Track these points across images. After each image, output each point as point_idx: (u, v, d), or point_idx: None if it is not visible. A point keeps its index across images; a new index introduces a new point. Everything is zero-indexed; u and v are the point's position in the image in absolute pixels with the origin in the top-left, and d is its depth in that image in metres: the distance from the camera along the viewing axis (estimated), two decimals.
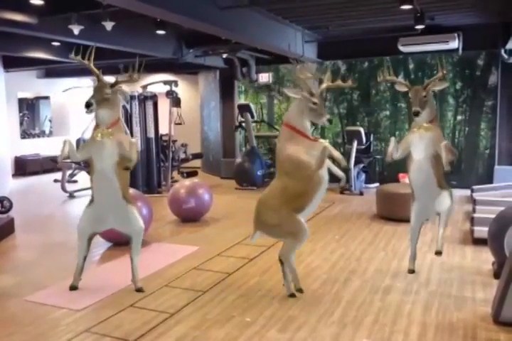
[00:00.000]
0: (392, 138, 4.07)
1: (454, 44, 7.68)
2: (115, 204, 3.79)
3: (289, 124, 3.62)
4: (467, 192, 7.24)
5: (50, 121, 12.50)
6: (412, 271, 4.15)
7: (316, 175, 3.61)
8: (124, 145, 3.71)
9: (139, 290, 3.86)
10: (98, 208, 3.82)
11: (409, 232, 4.21)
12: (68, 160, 8.39)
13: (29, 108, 12.11)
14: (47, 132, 12.48)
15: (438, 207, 4.02)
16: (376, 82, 8.87)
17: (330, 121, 3.58)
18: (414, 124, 4.00)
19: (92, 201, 3.86)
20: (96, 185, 3.80)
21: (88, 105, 3.64)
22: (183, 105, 9.59)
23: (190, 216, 6.33)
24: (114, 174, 3.71)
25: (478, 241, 4.92)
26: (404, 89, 4.08)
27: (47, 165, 11.05)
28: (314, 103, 3.52)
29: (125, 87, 9.27)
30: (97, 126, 3.78)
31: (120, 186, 3.76)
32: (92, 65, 3.80)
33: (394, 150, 3.99)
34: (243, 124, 9.40)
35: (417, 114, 3.82)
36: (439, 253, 4.03)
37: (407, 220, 4.39)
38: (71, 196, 8.39)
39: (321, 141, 3.65)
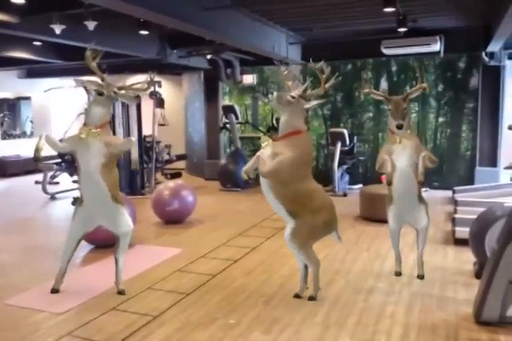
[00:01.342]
0: (386, 158, 3.92)
1: (436, 47, 7.78)
2: (104, 205, 3.75)
3: (300, 130, 3.58)
4: (449, 193, 7.32)
5: (31, 121, 12.33)
6: (398, 274, 4.15)
7: None
8: (114, 144, 3.67)
9: (121, 292, 3.82)
10: (87, 208, 3.78)
11: (390, 235, 4.21)
12: (51, 161, 8.32)
13: (10, 108, 11.92)
14: (28, 133, 12.30)
15: (415, 222, 4.06)
16: (360, 84, 8.94)
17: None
18: (395, 135, 3.92)
19: (81, 202, 3.81)
20: (83, 186, 3.76)
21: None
22: (167, 106, 9.55)
23: (173, 218, 6.29)
24: (100, 175, 3.65)
25: (460, 242, 4.98)
26: (381, 98, 4.09)
27: (28, 166, 10.88)
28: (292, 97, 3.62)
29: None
30: (85, 125, 3.71)
31: (108, 187, 3.70)
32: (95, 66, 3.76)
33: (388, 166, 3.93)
34: (227, 125, 9.38)
35: (400, 127, 3.82)
36: (421, 276, 4.05)
37: (388, 221, 4.42)
38: (52, 198, 8.28)
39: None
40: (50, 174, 8.82)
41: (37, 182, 8.95)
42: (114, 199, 3.76)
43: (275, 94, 3.64)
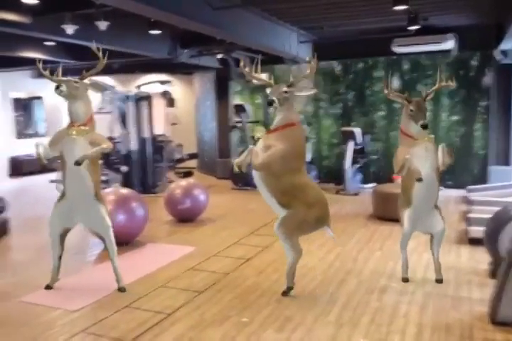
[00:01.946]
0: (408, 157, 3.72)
1: (448, 45, 7.71)
2: (85, 202, 3.77)
3: (293, 123, 3.66)
4: (462, 192, 7.26)
5: (44, 121, 12.43)
6: (406, 280, 4.00)
7: None
8: (96, 144, 3.66)
9: (121, 289, 3.85)
10: (69, 203, 3.80)
11: (401, 238, 4.03)
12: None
13: (24, 108, 12.04)
14: (42, 132, 12.41)
15: (430, 227, 3.96)
16: (371, 83, 8.90)
17: (269, 102, 3.56)
18: (416, 138, 3.76)
19: (62, 196, 3.83)
20: (68, 181, 3.77)
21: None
22: (179, 105, 9.60)
23: (186, 216, 6.31)
24: (86, 172, 3.67)
25: (474, 241, 4.93)
26: (400, 100, 3.90)
27: (43, 165, 10.98)
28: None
29: (120, 87, 9.24)
30: (71, 123, 3.70)
31: (92, 183, 3.73)
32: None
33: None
34: (238, 124, 9.39)
35: (426, 126, 3.67)
36: (439, 280, 3.96)
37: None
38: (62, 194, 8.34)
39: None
40: None
41: (52, 181, 9.03)
42: (96, 196, 3.78)
43: (270, 89, 3.60)
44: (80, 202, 3.79)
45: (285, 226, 3.60)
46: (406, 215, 3.93)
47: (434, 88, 3.96)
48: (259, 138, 3.60)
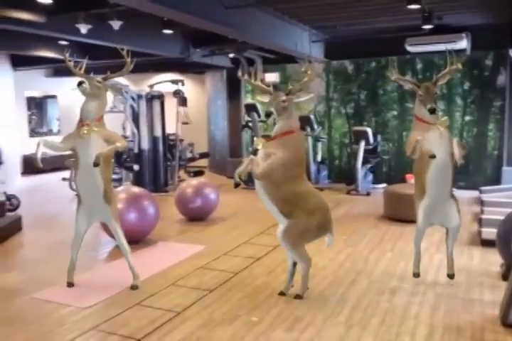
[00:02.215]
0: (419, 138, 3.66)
1: (462, 44, 7.64)
2: (95, 200, 3.82)
3: (292, 130, 3.62)
4: (475, 193, 7.19)
5: (58, 119, 12.56)
6: (417, 275, 3.99)
7: None
8: (112, 141, 3.70)
9: (133, 287, 3.89)
10: (86, 203, 3.86)
11: (415, 233, 4.02)
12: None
13: (37, 107, 12.17)
14: (55, 131, 12.54)
15: (445, 220, 3.87)
16: (383, 82, 8.85)
17: (267, 114, 3.52)
18: (428, 122, 3.69)
19: (79, 197, 3.89)
20: (81, 181, 3.82)
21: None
22: (190, 104, 9.60)
23: (196, 215, 6.33)
24: (98, 170, 3.70)
25: (486, 243, 4.88)
26: (409, 85, 3.86)
27: (55, 163, 11.10)
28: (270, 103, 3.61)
29: (132, 86, 9.28)
30: (80, 121, 3.73)
31: (102, 182, 3.76)
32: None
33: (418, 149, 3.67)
34: (250, 124, 9.39)
35: (433, 110, 3.59)
36: (451, 276, 3.92)
37: (414, 221, 4.35)
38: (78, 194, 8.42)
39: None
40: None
41: (64, 179, 9.12)
42: (105, 196, 3.81)
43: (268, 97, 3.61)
44: (92, 201, 3.84)
45: (289, 236, 3.56)
46: (421, 209, 3.84)
47: (444, 72, 3.84)
48: (257, 150, 3.57)
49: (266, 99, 3.67)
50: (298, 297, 3.65)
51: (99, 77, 3.80)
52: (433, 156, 3.54)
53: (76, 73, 3.82)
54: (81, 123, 3.72)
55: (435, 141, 3.64)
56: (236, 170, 3.57)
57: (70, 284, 3.94)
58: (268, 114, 3.49)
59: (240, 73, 3.58)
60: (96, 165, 3.51)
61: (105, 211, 3.85)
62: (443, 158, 3.64)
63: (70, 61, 3.81)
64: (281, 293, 3.73)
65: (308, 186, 3.70)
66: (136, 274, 3.95)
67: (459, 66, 3.84)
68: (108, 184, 3.86)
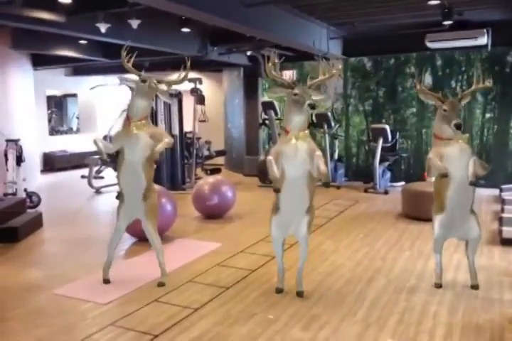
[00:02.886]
0: (430, 156, 3.62)
1: (483, 40, 7.51)
2: (137, 197, 3.86)
3: (283, 126, 3.61)
4: (495, 191, 7.08)
5: (77, 118, 12.73)
6: (439, 286, 3.81)
7: (281, 170, 3.46)
8: (158, 138, 3.77)
9: (159, 284, 3.93)
10: (127, 201, 3.91)
11: (433, 243, 3.85)
12: (96, 156, 8.57)
13: (57, 105, 12.35)
14: (74, 129, 12.72)
15: (465, 234, 3.74)
16: (403, 79, 8.76)
17: (311, 106, 3.40)
18: (452, 136, 3.60)
19: (122, 195, 3.92)
20: (124, 179, 3.87)
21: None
22: (207, 102, 9.64)
23: (213, 213, 6.36)
24: (142, 168, 3.77)
25: (507, 242, 4.81)
26: (432, 100, 3.72)
27: (74, 161, 11.28)
28: (295, 94, 3.46)
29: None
30: (127, 118, 3.81)
31: (145, 181, 3.83)
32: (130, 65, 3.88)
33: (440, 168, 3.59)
34: (267, 122, 9.39)
35: (460, 127, 3.47)
36: (475, 287, 3.76)
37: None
38: (97, 192, 8.53)
39: (293, 140, 3.47)
40: (95, 169, 9.09)
41: (83, 177, 9.25)
42: (146, 192, 3.86)
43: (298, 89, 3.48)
44: (133, 198, 3.88)
45: (309, 230, 3.66)
46: (437, 221, 3.74)
47: (470, 90, 3.76)
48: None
49: (282, 92, 3.60)
50: (301, 294, 3.66)
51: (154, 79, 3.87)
52: (445, 175, 3.48)
53: (136, 73, 3.89)
54: (128, 121, 3.80)
55: (455, 156, 3.55)
56: (273, 177, 3.40)
57: (106, 281, 3.98)
58: (313, 106, 3.43)
59: (269, 60, 3.52)
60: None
61: (141, 208, 3.89)
62: (463, 174, 3.52)
63: (128, 62, 3.85)
64: (280, 291, 3.75)
65: None
66: (165, 271, 3.98)
67: (488, 84, 3.74)
68: (150, 182, 3.91)
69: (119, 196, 3.95)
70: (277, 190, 3.45)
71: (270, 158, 3.43)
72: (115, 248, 4.04)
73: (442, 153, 3.60)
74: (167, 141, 3.78)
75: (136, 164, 3.76)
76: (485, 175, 3.70)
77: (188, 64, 4.00)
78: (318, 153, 3.44)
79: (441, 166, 3.53)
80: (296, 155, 3.42)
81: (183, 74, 4.01)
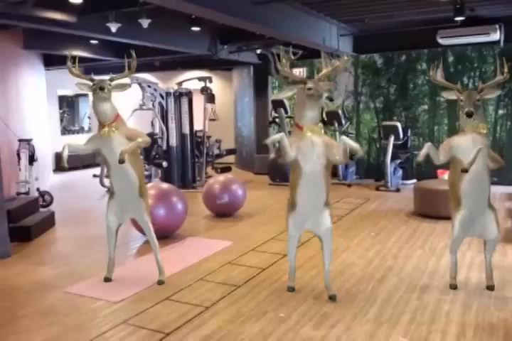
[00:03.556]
0: (429, 144, 3.62)
1: (496, 36, 7.42)
2: (131, 196, 3.88)
3: (295, 122, 3.57)
4: (509, 188, 7.00)
5: (89, 117, 12.81)
6: (454, 287, 3.72)
7: (296, 166, 3.44)
8: (133, 136, 3.75)
9: (159, 282, 3.94)
10: (118, 200, 3.92)
11: (451, 243, 3.76)
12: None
13: (69, 105, 12.44)
14: (86, 128, 12.80)
15: (483, 232, 3.64)
16: (414, 76, 8.69)
17: (330, 98, 3.37)
18: (465, 126, 3.55)
19: (112, 193, 3.96)
20: (114, 179, 3.88)
21: None
22: (217, 101, 9.65)
23: (224, 211, 6.37)
24: (129, 166, 3.76)
25: None
26: (452, 96, 3.68)
27: (86, 160, 11.35)
28: (309, 88, 3.39)
29: (161, 84, 9.40)
30: (100, 124, 3.79)
31: (137, 178, 3.84)
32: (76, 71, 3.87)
33: (435, 156, 3.59)
34: (277, 120, 9.37)
35: (470, 114, 3.44)
36: (491, 287, 3.67)
37: (445, 218, 4.28)
38: (109, 190, 8.57)
39: (308, 133, 3.41)
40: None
41: (94, 176, 9.30)
42: (140, 191, 3.88)
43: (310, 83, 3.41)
44: (126, 198, 3.90)
45: (332, 222, 3.60)
46: (457, 219, 3.62)
47: (492, 82, 3.69)
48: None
49: (292, 90, 3.56)
50: (334, 298, 3.58)
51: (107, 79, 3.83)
52: (465, 170, 3.37)
53: (86, 78, 3.86)
54: (101, 125, 3.79)
55: (466, 147, 3.46)
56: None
57: (107, 279, 4.01)
58: (332, 99, 3.42)
59: (281, 56, 3.47)
60: (121, 162, 3.57)
61: (139, 205, 3.91)
62: (478, 168, 3.43)
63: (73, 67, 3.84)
64: (291, 289, 3.74)
65: None
66: (162, 269, 3.99)
67: (506, 74, 3.66)
68: (142, 179, 3.94)
69: (111, 194, 3.96)
70: (285, 159, 3.39)
71: (281, 134, 3.41)
72: (114, 248, 4.03)
73: (452, 144, 3.56)
74: (140, 140, 3.74)
75: (122, 166, 3.67)
76: (499, 169, 3.59)
77: (133, 53, 3.90)
78: (344, 137, 3.47)
79: (462, 160, 3.45)
80: (313, 149, 3.39)
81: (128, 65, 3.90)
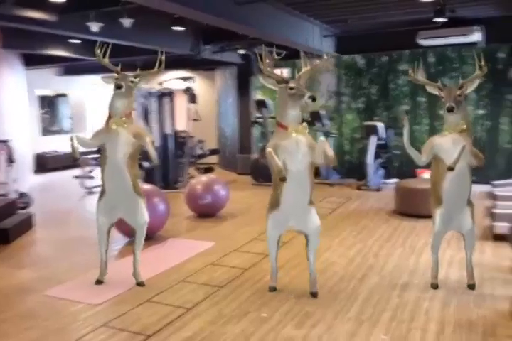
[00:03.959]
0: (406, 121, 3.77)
1: (475, 37, 7.53)
2: (125, 195, 3.84)
3: (277, 122, 3.56)
4: (487, 187, 7.11)
5: (70, 118, 12.65)
6: (435, 286, 3.74)
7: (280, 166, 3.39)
8: (140, 137, 3.76)
9: (140, 284, 3.90)
10: (110, 199, 3.87)
11: (431, 240, 3.82)
12: (89, 156, 8.52)
13: (49, 105, 12.27)
14: (66, 129, 12.64)
15: (460, 226, 3.71)
16: (395, 76, 8.77)
17: (313, 98, 3.36)
18: (446, 126, 3.64)
19: (103, 193, 3.90)
20: (107, 176, 3.84)
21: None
22: (200, 101, 9.63)
23: (206, 211, 6.35)
24: (125, 165, 3.75)
25: (498, 237, 4.83)
26: (435, 91, 3.74)
27: (67, 161, 11.21)
28: (291, 88, 3.41)
29: (143, 84, 9.31)
30: (109, 117, 3.78)
31: (131, 177, 3.81)
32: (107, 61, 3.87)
33: (417, 158, 3.71)
34: (259, 120, 9.38)
35: (451, 109, 3.49)
36: (472, 286, 3.70)
37: (426, 216, 4.33)
38: (90, 192, 8.49)
39: (293, 134, 3.42)
40: (87, 169, 9.04)
41: (76, 177, 9.19)
42: (136, 190, 3.85)
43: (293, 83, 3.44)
44: (120, 196, 3.85)
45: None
46: (437, 215, 3.68)
47: (471, 77, 3.76)
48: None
49: (274, 84, 3.54)
50: (315, 294, 3.63)
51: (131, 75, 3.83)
52: (450, 169, 3.41)
53: (114, 69, 3.85)
54: (109, 118, 3.78)
55: (449, 148, 3.52)
56: (278, 168, 3.31)
57: (99, 282, 3.95)
58: (314, 98, 3.38)
59: (262, 55, 3.45)
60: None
61: (136, 204, 3.87)
62: (458, 167, 3.46)
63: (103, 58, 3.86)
64: (273, 289, 3.76)
65: None
66: (137, 271, 3.95)
67: (484, 70, 3.75)
68: (136, 179, 3.91)
69: (102, 194, 3.92)
70: (283, 179, 3.33)
71: (270, 149, 3.38)
72: (106, 248, 3.99)
73: (434, 143, 3.63)
74: (148, 140, 3.77)
75: (119, 162, 3.72)
76: (480, 166, 3.65)
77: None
78: (322, 138, 3.51)
79: (445, 159, 3.50)
80: (298, 148, 3.41)
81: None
